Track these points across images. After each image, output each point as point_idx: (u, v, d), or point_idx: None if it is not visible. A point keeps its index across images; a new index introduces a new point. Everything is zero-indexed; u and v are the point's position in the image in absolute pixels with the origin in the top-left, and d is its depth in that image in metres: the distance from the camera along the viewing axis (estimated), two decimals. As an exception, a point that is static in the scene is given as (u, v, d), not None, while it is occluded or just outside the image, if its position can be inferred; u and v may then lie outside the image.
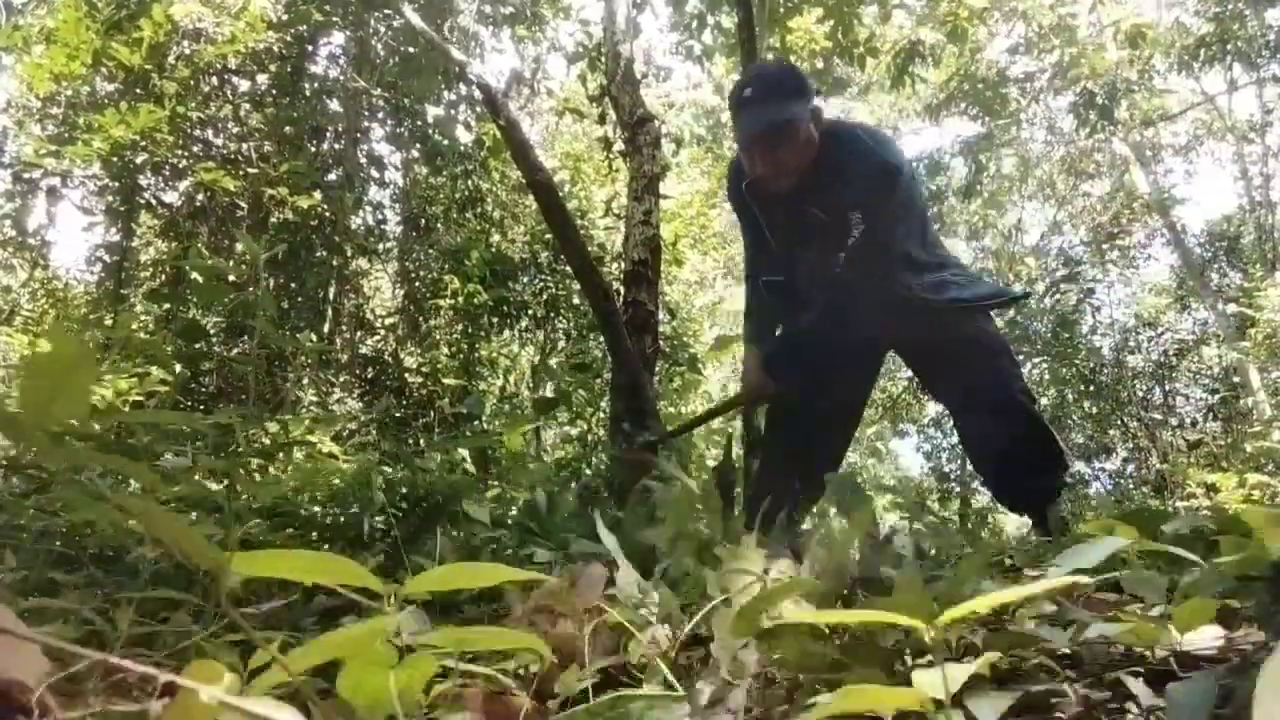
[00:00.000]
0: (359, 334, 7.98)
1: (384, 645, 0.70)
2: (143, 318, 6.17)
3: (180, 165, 6.46)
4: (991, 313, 2.58)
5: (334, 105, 7.58)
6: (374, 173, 7.89)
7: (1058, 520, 2.17)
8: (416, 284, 7.99)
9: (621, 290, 4.21)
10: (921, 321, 2.38)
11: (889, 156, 2.31)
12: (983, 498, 11.57)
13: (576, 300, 7.26)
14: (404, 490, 2.51)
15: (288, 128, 6.85)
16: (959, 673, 0.66)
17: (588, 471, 3.66)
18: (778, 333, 2.70)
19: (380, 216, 8.18)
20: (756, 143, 2.32)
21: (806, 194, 2.36)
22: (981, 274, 2.44)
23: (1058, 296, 12.31)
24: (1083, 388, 11.18)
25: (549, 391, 7.99)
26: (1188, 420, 11.28)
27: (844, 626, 1.05)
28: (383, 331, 8.04)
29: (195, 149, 6.66)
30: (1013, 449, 2.32)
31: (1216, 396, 11.41)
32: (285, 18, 6.78)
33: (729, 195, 2.72)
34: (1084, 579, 0.83)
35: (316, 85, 7.41)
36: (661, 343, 4.88)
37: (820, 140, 2.34)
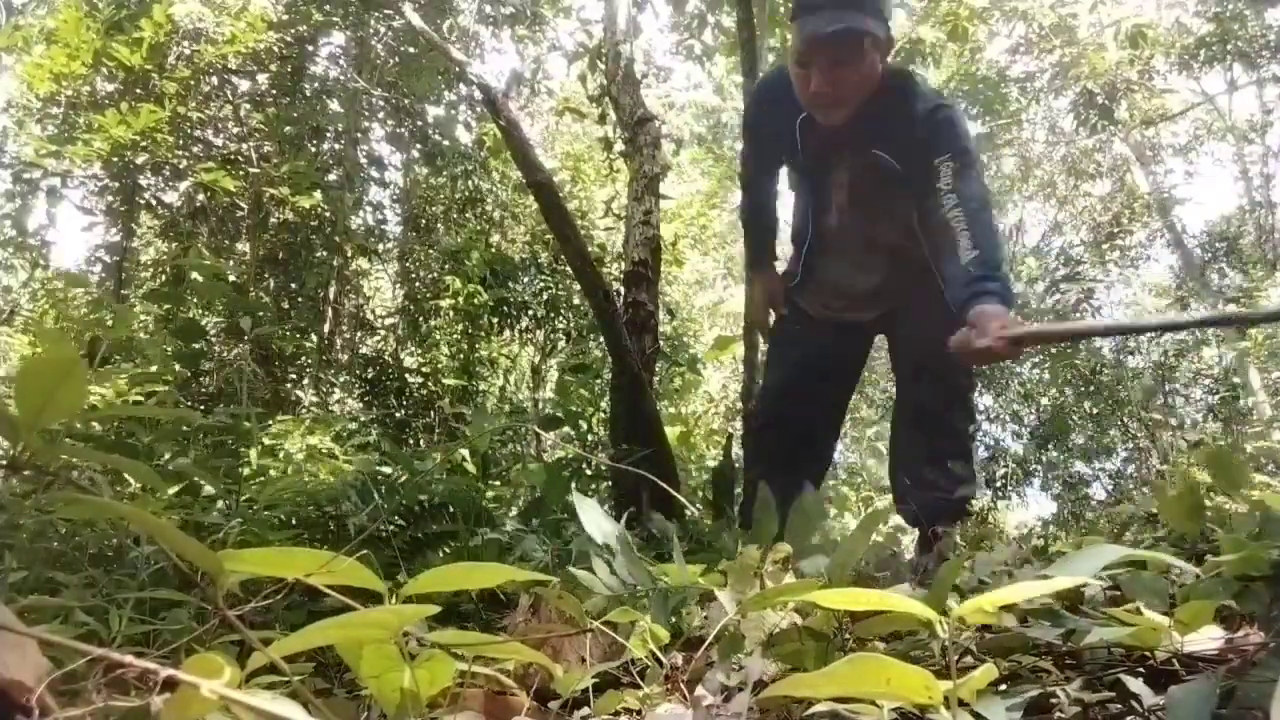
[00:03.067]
0: (359, 334, 7.98)
1: (391, 644, 0.70)
2: (143, 318, 6.16)
3: (180, 165, 6.46)
4: None
5: (334, 105, 7.58)
6: (374, 173, 7.89)
7: (949, 545, 2.14)
8: (416, 284, 7.99)
9: (621, 290, 4.20)
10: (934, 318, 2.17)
11: (959, 112, 2.13)
12: (982, 498, 11.57)
13: (576, 300, 7.25)
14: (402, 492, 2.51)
15: (288, 128, 6.85)
16: (972, 673, 0.66)
17: (588, 472, 3.65)
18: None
19: (380, 216, 8.18)
20: (818, 51, 1.98)
21: (865, 132, 2.09)
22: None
23: (1058, 296, 12.30)
24: (1083, 388, 11.18)
25: (549, 391, 7.99)
26: (1188, 421, 11.27)
27: (850, 631, 1.05)
28: (383, 331, 8.04)
29: (195, 149, 6.66)
30: (928, 460, 2.28)
31: (1216, 397, 11.40)
32: (285, 18, 6.78)
33: (753, 118, 2.43)
34: (1094, 581, 0.82)
35: (316, 85, 7.41)
36: (661, 343, 4.87)
37: (886, 77, 2.07)
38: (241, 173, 6.48)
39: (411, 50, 7.38)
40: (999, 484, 11.48)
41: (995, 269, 1.93)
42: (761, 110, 2.37)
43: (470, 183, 7.98)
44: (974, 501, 2.42)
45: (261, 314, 5.89)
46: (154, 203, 6.97)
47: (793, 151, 2.26)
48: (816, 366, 2.45)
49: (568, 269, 6.34)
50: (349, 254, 7.40)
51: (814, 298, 2.48)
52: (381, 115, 7.90)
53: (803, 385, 2.45)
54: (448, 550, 2.25)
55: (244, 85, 7.05)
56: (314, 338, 7.28)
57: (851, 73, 2.00)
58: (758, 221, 2.62)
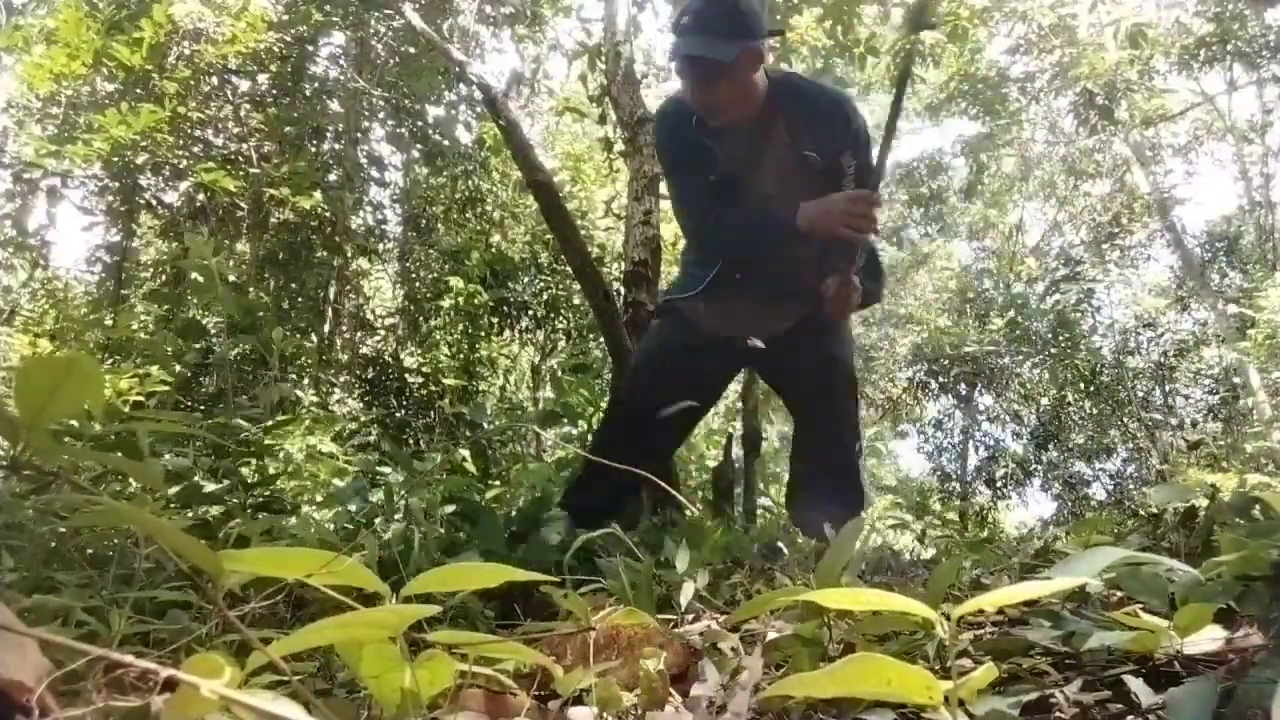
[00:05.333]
0: (359, 334, 7.99)
1: (390, 644, 0.70)
2: (143, 318, 6.17)
3: (180, 165, 6.46)
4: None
5: (334, 105, 7.58)
6: (374, 173, 7.89)
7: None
8: (416, 284, 8.00)
9: (621, 290, 4.21)
10: (815, 330, 2.34)
11: (855, 105, 2.31)
12: (983, 498, 11.57)
13: (576, 300, 7.25)
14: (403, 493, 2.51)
15: (288, 128, 6.85)
16: (971, 675, 0.66)
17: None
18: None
19: (380, 216, 8.18)
20: (683, 70, 2.22)
21: (770, 132, 2.27)
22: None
23: (1058, 296, 12.31)
24: (1083, 388, 11.18)
25: (549, 392, 7.99)
26: (1188, 421, 11.28)
27: (845, 636, 1.05)
28: (383, 331, 8.04)
29: (195, 149, 6.66)
30: (818, 480, 2.36)
31: (1216, 397, 11.41)
32: (285, 18, 6.78)
33: (667, 136, 2.47)
34: (1093, 581, 0.82)
35: (316, 85, 7.41)
36: (661, 343, 4.86)
37: (780, 84, 2.27)
38: (241, 173, 6.48)
39: (411, 50, 7.39)
40: (999, 484, 11.48)
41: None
42: (671, 133, 2.44)
43: (470, 183, 7.99)
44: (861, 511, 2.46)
45: (261, 314, 5.89)
46: (154, 203, 6.98)
47: (712, 167, 2.32)
48: (689, 385, 2.40)
49: (568, 269, 6.34)
50: (349, 254, 7.40)
51: (719, 315, 2.44)
52: (381, 115, 7.90)
53: (671, 399, 2.37)
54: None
55: (244, 85, 7.05)
56: (314, 338, 7.29)
57: (719, 89, 2.19)
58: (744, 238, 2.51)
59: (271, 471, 3.12)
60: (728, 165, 2.31)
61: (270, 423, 3.45)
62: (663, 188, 4.60)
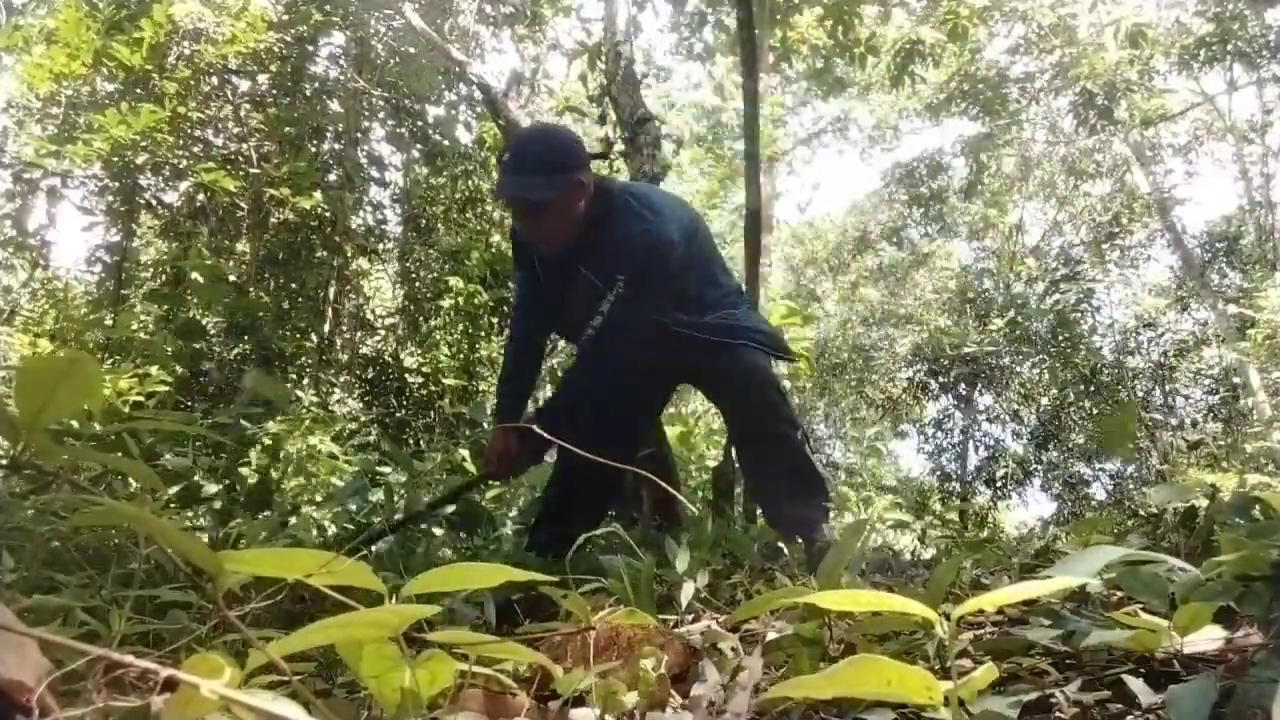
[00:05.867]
0: (359, 334, 7.98)
1: (390, 644, 0.70)
2: (143, 318, 6.16)
3: (180, 165, 6.45)
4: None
5: (334, 105, 7.58)
6: (374, 173, 7.89)
7: (822, 548, 2.18)
8: (416, 284, 7.99)
9: (621, 290, 4.19)
10: (695, 354, 2.41)
11: (661, 230, 2.32)
12: (983, 498, 11.57)
13: (576, 300, 7.24)
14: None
15: (288, 128, 6.85)
16: (971, 675, 0.66)
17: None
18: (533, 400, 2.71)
19: (380, 216, 8.18)
20: (509, 206, 2.37)
21: (580, 254, 2.34)
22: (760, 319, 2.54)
23: (1058, 296, 12.30)
24: (1083, 388, 11.18)
25: (549, 391, 7.98)
26: (1188, 421, 11.27)
27: (846, 636, 1.05)
28: (383, 331, 8.04)
29: (195, 149, 6.66)
30: (778, 479, 2.40)
31: (1216, 397, 11.41)
32: (285, 18, 6.78)
33: (512, 236, 2.68)
34: (1093, 581, 0.82)
35: (316, 85, 7.40)
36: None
37: (597, 201, 2.33)
38: (241, 173, 6.48)
39: (411, 50, 7.38)
40: (999, 484, 11.48)
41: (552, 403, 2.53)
42: (515, 235, 2.60)
43: (470, 183, 7.98)
44: (829, 497, 2.51)
45: (262, 314, 5.89)
46: (154, 203, 6.97)
47: (537, 271, 2.47)
48: (623, 411, 2.50)
49: (568, 269, 6.32)
50: (349, 254, 7.40)
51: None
52: (381, 115, 7.90)
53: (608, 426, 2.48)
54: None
55: (244, 85, 7.05)
56: (314, 338, 7.28)
57: (542, 222, 2.29)
58: (519, 370, 2.63)
59: (272, 472, 3.12)
60: (543, 275, 2.46)
61: (259, 410, 3.46)
62: (662, 188, 4.60)
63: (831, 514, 2.46)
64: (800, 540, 2.16)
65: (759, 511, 2.71)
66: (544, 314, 2.54)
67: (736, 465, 3.65)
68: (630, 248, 2.30)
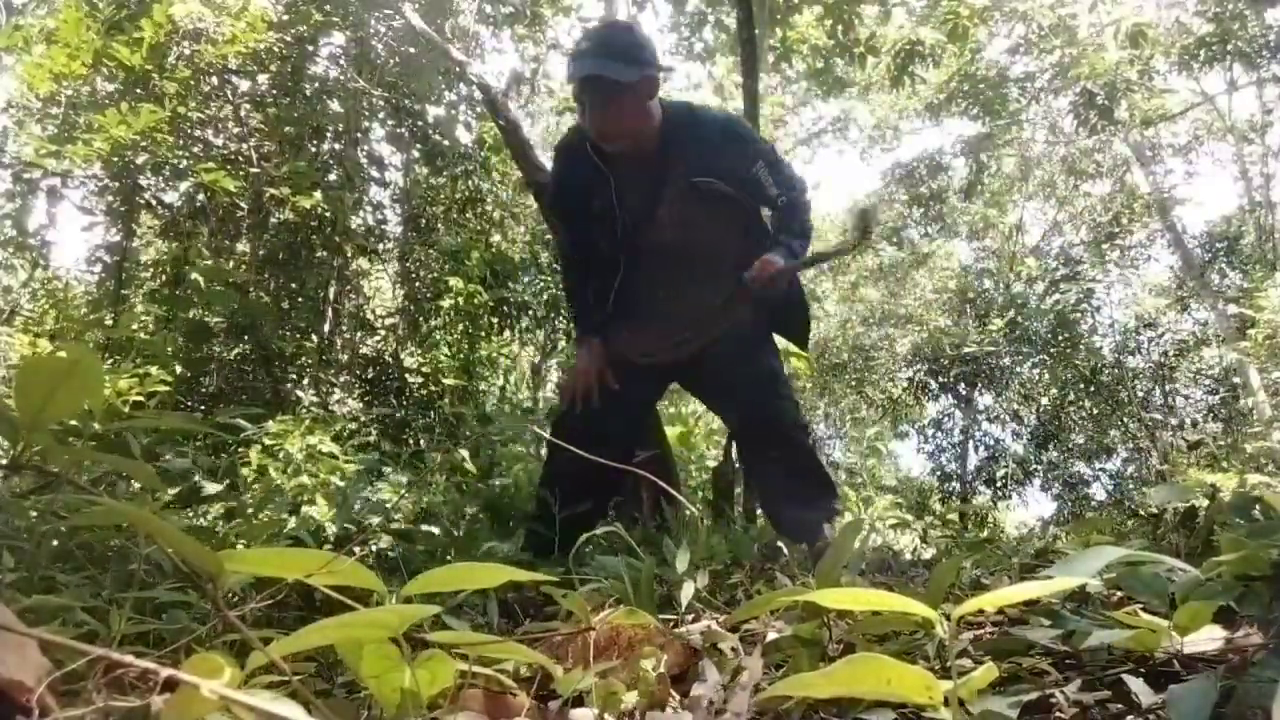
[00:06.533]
0: (359, 334, 7.98)
1: (390, 643, 0.70)
2: (143, 318, 6.16)
3: (180, 165, 6.45)
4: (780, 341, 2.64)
5: (334, 105, 7.57)
6: (374, 173, 7.88)
7: (821, 549, 2.17)
8: (417, 284, 7.99)
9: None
10: (722, 340, 2.43)
11: (743, 124, 2.48)
12: (983, 498, 11.57)
13: (576, 300, 7.23)
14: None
15: (288, 128, 6.84)
16: (971, 675, 0.66)
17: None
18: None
19: (380, 216, 8.17)
20: (582, 91, 2.26)
21: (668, 159, 2.33)
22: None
23: (1058, 296, 12.30)
24: (1083, 388, 11.18)
25: (549, 391, 7.99)
26: (1188, 421, 11.27)
27: (845, 636, 1.05)
28: (383, 331, 8.03)
29: (195, 149, 6.66)
30: (786, 482, 2.39)
31: (1216, 397, 11.41)
32: (285, 18, 6.78)
33: (560, 176, 2.55)
34: (1093, 581, 0.82)
35: (316, 85, 7.40)
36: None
37: (669, 110, 2.35)
38: (241, 173, 6.47)
39: (411, 50, 7.38)
40: (999, 484, 11.48)
41: (795, 233, 2.39)
42: (567, 167, 2.52)
43: (470, 183, 7.98)
44: (837, 498, 2.50)
45: (262, 314, 5.89)
46: (154, 203, 6.97)
47: (606, 202, 2.38)
48: (615, 409, 2.47)
49: (568, 269, 6.32)
50: (349, 254, 7.39)
51: (629, 343, 2.52)
52: (381, 115, 7.89)
53: (601, 424, 2.45)
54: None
55: (244, 85, 7.04)
56: (314, 338, 7.28)
57: (616, 110, 2.25)
58: (585, 288, 2.60)
59: (272, 472, 3.12)
60: (626, 201, 2.37)
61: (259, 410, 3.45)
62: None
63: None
64: (807, 545, 2.16)
65: (759, 511, 2.71)
66: (613, 243, 2.44)
67: (736, 465, 3.65)
68: (733, 131, 2.36)
